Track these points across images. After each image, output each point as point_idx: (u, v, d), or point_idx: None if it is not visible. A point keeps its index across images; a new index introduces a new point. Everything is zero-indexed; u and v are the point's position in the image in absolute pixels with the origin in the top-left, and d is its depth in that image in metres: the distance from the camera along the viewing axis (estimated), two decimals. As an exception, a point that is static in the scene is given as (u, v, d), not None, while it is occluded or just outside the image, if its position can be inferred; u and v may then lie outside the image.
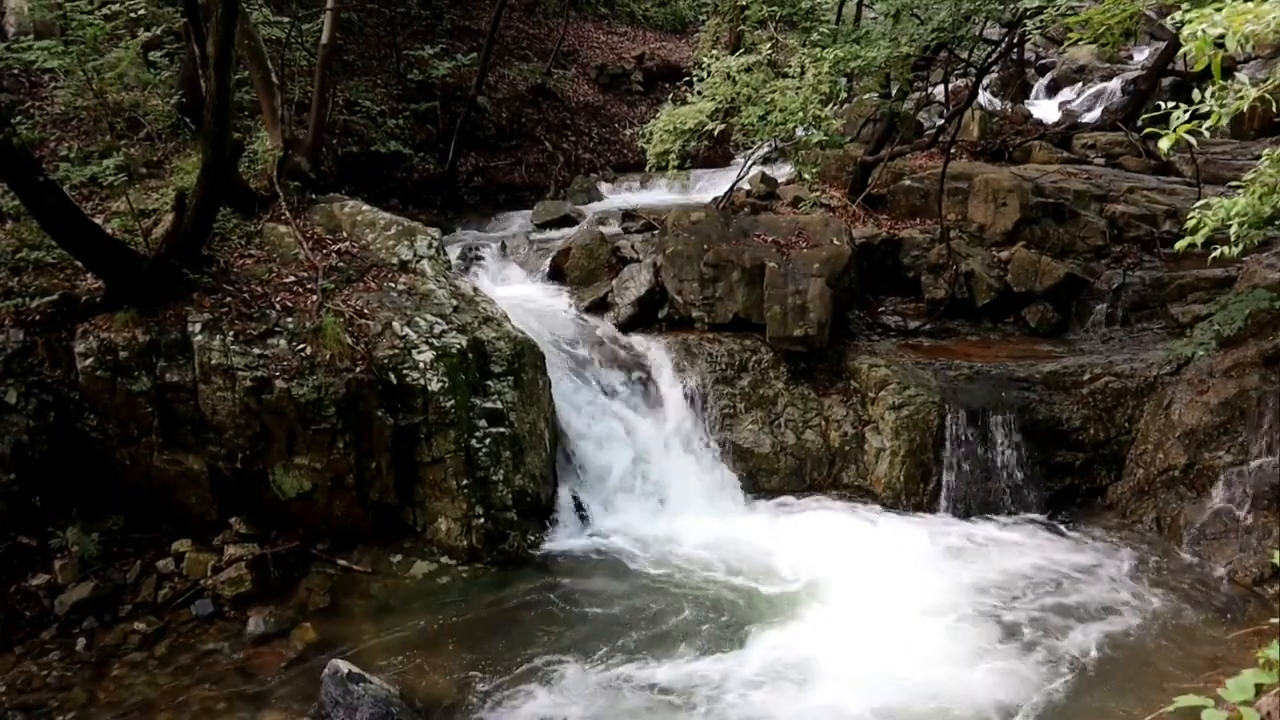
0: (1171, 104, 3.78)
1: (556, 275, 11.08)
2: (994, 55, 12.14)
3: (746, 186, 11.68)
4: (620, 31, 20.48)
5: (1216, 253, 5.45)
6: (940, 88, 12.60)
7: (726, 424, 9.29)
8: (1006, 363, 9.52)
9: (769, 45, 10.93)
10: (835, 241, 9.86)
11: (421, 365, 7.96)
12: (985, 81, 14.39)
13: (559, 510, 8.64)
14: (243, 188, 9.12)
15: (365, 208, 9.78)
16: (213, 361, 7.59)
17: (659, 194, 14.03)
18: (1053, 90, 18.60)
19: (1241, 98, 3.76)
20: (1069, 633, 6.88)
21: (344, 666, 6.01)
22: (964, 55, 11.93)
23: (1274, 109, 3.93)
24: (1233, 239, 5.33)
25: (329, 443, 7.70)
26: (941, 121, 11.98)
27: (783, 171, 13.06)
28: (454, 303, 8.82)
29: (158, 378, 7.59)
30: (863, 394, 9.32)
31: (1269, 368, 8.14)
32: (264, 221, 9.09)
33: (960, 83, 14.12)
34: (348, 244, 9.21)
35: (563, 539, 8.39)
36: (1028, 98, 18.23)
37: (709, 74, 10.01)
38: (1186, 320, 9.42)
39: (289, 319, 7.99)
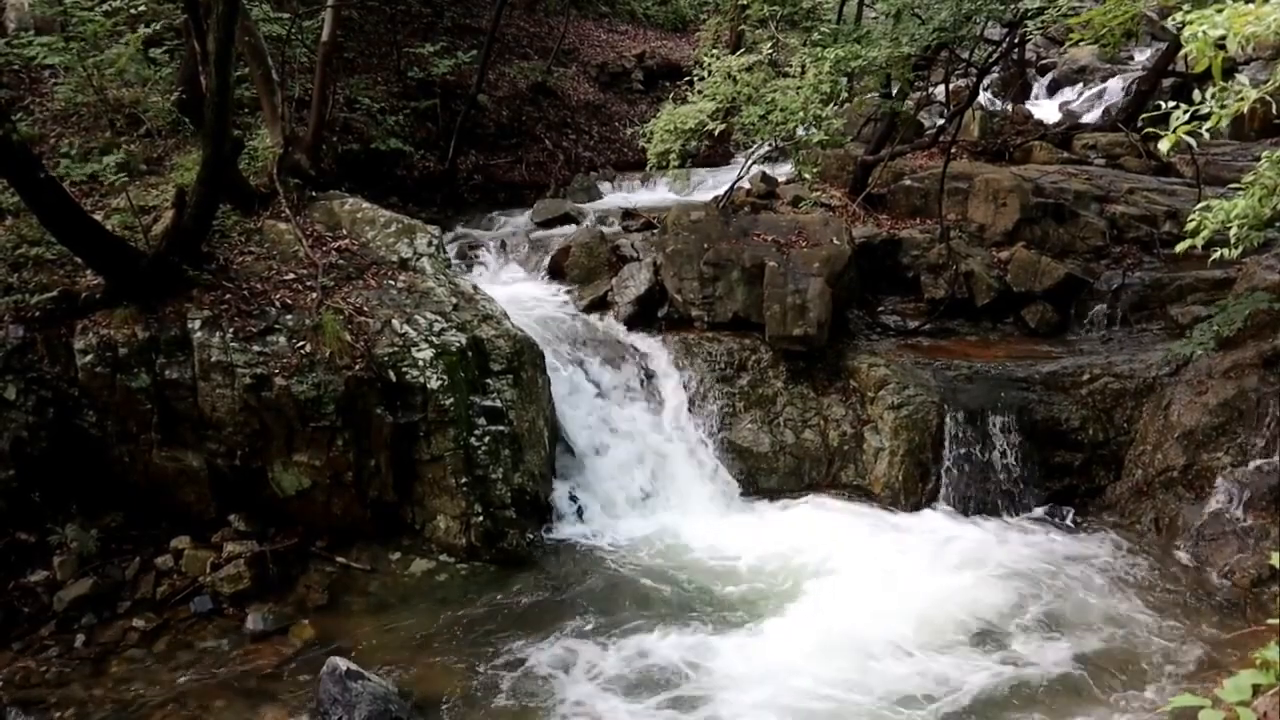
0: (1172, 104, 3.78)
1: (556, 274, 11.07)
2: (995, 55, 12.13)
3: (746, 186, 11.67)
4: (621, 30, 20.45)
5: (1216, 254, 5.45)
6: (941, 88, 12.58)
7: (725, 423, 9.29)
8: (1006, 363, 9.53)
9: (770, 44, 10.93)
10: (835, 241, 9.86)
11: (421, 363, 7.96)
12: (986, 82, 14.37)
13: (558, 508, 8.64)
14: (243, 185, 9.12)
15: (365, 205, 9.78)
16: (212, 358, 7.59)
17: (659, 193, 14.02)
18: (1053, 90, 18.61)
19: (1242, 99, 3.76)
20: (1066, 632, 6.89)
21: (342, 664, 6.02)
22: (965, 55, 11.92)
23: (1274, 110, 3.93)
24: (1233, 241, 5.32)
25: (328, 440, 7.70)
26: (942, 121, 11.95)
27: (783, 171, 13.04)
28: (453, 301, 8.82)
29: (157, 374, 7.59)
30: (862, 393, 9.32)
31: (1268, 369, 8.15)
32: (264, 219, 9.09)
33: (961, 83, 14.09)
34: (347, 241, 9.20)
35: (561, 537, 8.39)
36: (1028, 98, 18.22)
37: (710, 73, 10.00)
38: (1186, 321, 9.41)
39: (289, 316, 7.99)
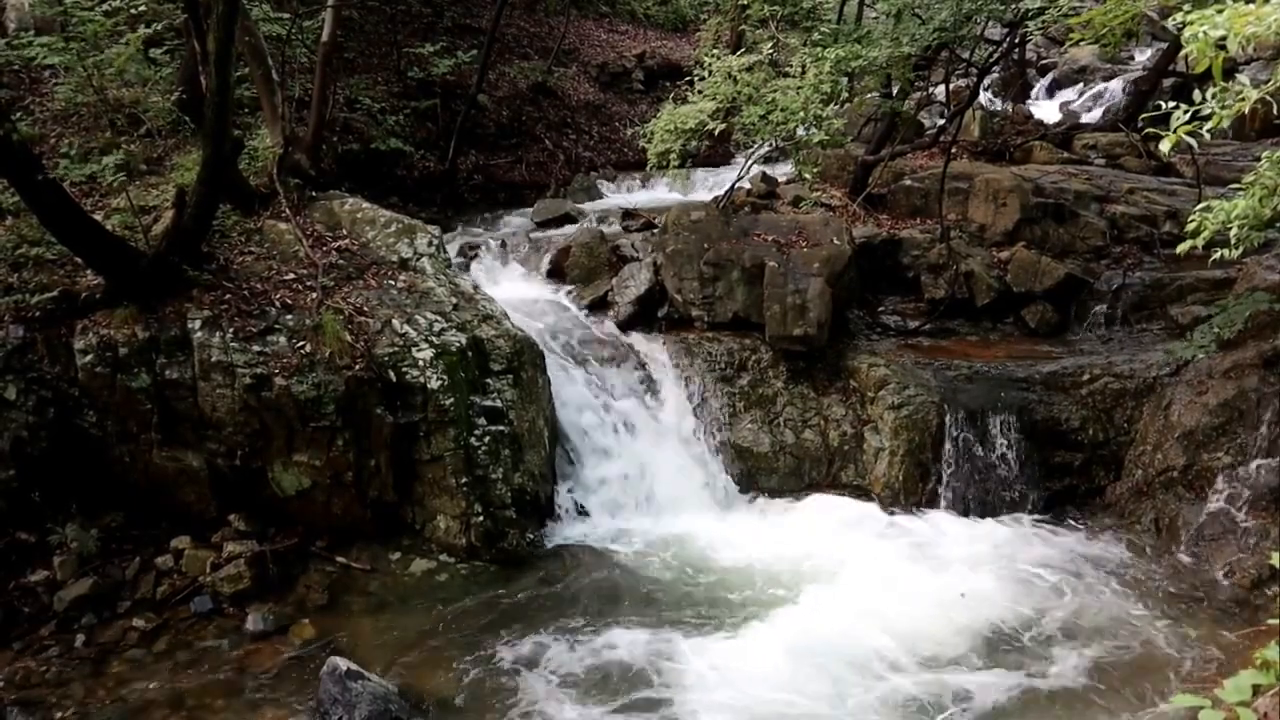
0: (1172, 104, 3.78)
1: (556, 274, 11.06)
2: (995, 55, 12.13)
3: (747, 186, 11.67)
4: (621, 30, 20.46)
5: (1217, 255, 5.45)
6: (941, 88, 12.59)
7: (725, 423, 9.29)
8: (1006, 363, 9.53)
9: (770, 44, 10.93)
10: (835, 241, 9.86)
11: (421, 363, 7.96)
12: (986, 82, 14.38)
13: (558, 508, 8.65)
14: (243, 185, 9.11)
15: (365, 205, 9.78)
16: (212, 358, 7.59)
17: (659, 193, 14.02)
18: (1053, 90, 18.60)
19: (1242, 99, 3.76)
20: (1067, 633, 6.89)
21: (342, 664, 6.02)
22: (965, 55, 11.93)
23: (1275, 111, 3.93)
24: (1233, 241, 5.32)
25: (328, 440, 7.70)
26: (942, 121, 11.95)
27: (783, 171, 13.04)
28: (454, 301, 8.82)
29: (157, 374, 7.59)
30: (862, 393, 9.32)
31: (1268, 369, 8.15)
32: (264, 219, 9.09)
33: (961, 83, 14.10)
34: (348, 241, 9.20)
35: (561, 537, 8.39)
36: (1029, 98, 18.22)
37: (710, 73, 10.00)
38: (1186, 321, 9.42)
39: (289, 316, 7.99)
